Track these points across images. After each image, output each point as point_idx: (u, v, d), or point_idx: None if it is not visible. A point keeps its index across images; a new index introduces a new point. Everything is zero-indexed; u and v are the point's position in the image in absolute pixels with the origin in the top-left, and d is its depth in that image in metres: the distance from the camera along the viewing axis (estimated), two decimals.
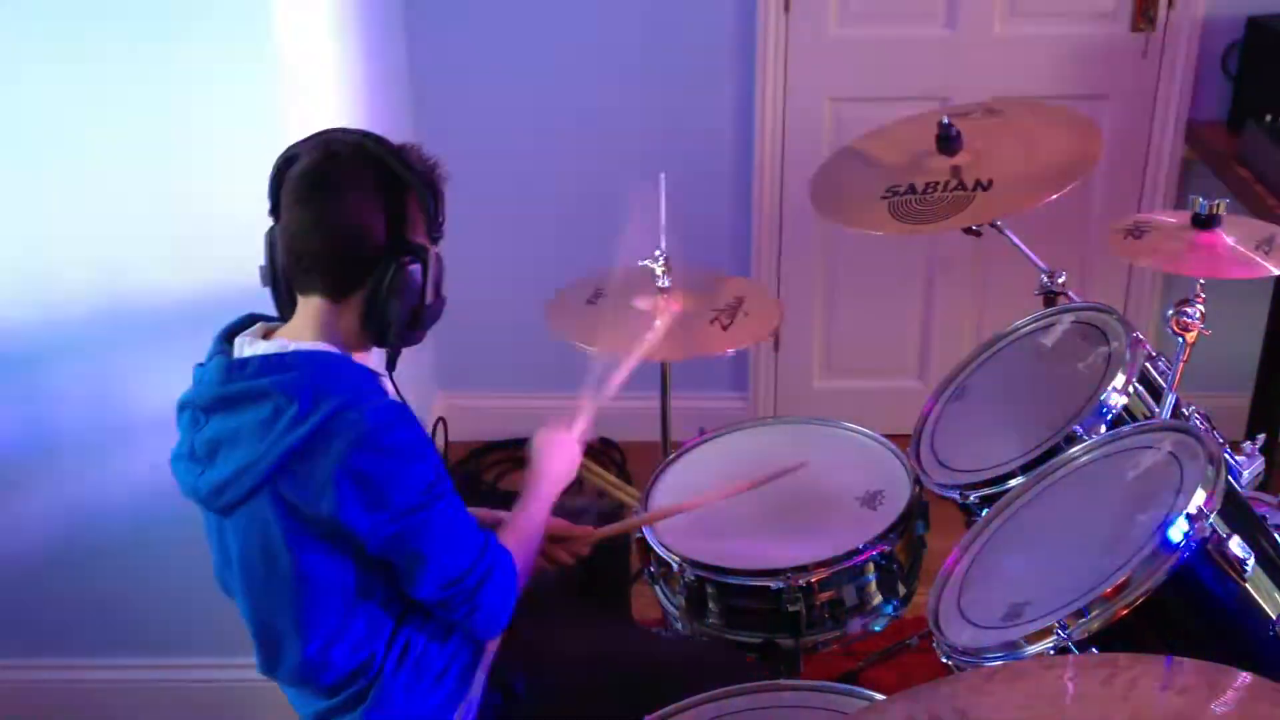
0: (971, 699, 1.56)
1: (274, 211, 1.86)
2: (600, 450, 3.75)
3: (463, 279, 3.63)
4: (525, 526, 2.05)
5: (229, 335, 1.89)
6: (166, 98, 2.37)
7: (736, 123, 3.49)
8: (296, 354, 1.81)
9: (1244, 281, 3.23)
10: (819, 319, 3.71)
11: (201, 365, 1.90)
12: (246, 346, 1.85)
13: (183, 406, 1.89)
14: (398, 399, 1.91)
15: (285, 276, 1.86)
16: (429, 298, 1.85)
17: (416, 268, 1.81)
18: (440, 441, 3.63)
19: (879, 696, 1.81)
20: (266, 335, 1.88)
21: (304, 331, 1.85)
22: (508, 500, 2.31)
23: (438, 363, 3.79)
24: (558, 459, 2.13)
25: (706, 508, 2.30)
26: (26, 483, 2.68)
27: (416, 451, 1.84)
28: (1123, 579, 1.66)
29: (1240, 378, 3.22)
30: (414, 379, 3.57)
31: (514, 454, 3.67)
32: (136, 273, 2.51)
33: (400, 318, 1.83)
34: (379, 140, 1.83)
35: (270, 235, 1.88)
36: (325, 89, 2.73)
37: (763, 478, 2.27)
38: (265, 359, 1.81)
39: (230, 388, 1.81)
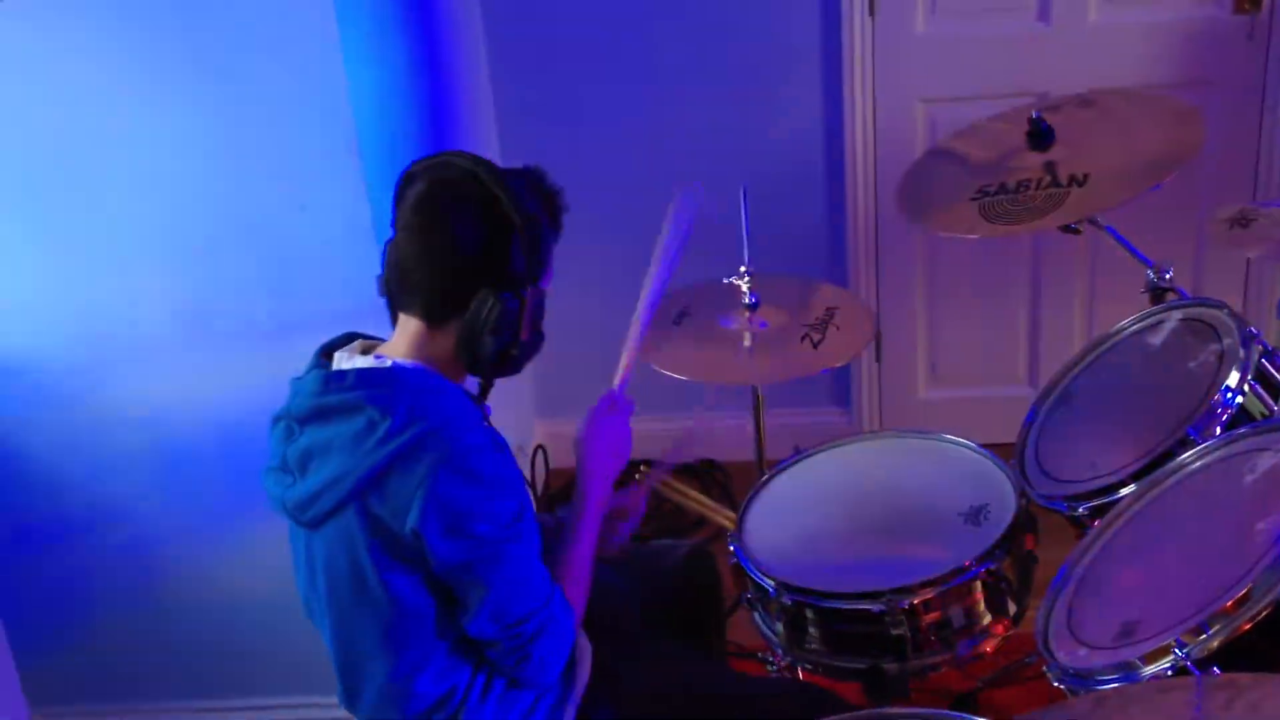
0: None
1: (393, 225, 1.88)
2: (705, 471, 3.69)
3: (552, 303, 3.65)
4: (575, 560, 1.98)
5: (328, 350, 1.91)
6: (241, 132, 2.39)
7: (827, 130, 3.40)
8: (395, 369, 1.82)
9: None
10: (921, 327, 3.60)
11: (298, 379, 1.90)
12: (345, 361, 1.87)
13: (277, 419, 1.90)
14: (492, 428, 1.89)
15: (391, 291, 1.88)
16: (524, 334, 1.84)
17: (515, 304, 1.80)
18: (541, 469, 3.59)
19: None
20: (366, 351, 1.89)
21: (402, 349, 1.85)
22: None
23: (536, 391, 3.76)
24: (599, 454, 2.04)
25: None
26: (107, 522, 2.70)
27: (504, 483, 1.82)
28: (1244, 591, 1.56)
29: None
30: (512, 407, 3.56)
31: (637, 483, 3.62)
32: (221, 304, 2.53)
33: (491, 351, 1.81)
34: (491, 170, 1.83)
35: (384, 248, 1.89)
36: (401, 113, 2.72)
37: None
38: (363, 372, 1.82)
39: (326, 399, 1.81)
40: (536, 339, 1.88)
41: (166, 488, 2.64)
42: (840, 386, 3.71)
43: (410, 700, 1.90)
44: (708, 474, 3.67)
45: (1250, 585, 1.56)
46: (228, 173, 2.43)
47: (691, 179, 3.29)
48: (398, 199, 1.87)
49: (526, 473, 3.53)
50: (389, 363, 1.83)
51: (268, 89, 2.37)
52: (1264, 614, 1.55)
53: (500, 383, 3.42)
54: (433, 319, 1.83)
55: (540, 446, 3.63)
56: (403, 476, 1.75)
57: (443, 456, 1.74)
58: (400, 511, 1.75)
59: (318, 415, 1.82)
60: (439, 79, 2.96)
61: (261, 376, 2.04)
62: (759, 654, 2.75)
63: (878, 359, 3.63)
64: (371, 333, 1.96)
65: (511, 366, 1.87)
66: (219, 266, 2.51)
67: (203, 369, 2.56)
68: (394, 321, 1.90)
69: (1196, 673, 1.55)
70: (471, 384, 1.93)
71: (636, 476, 2.69)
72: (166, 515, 2.67)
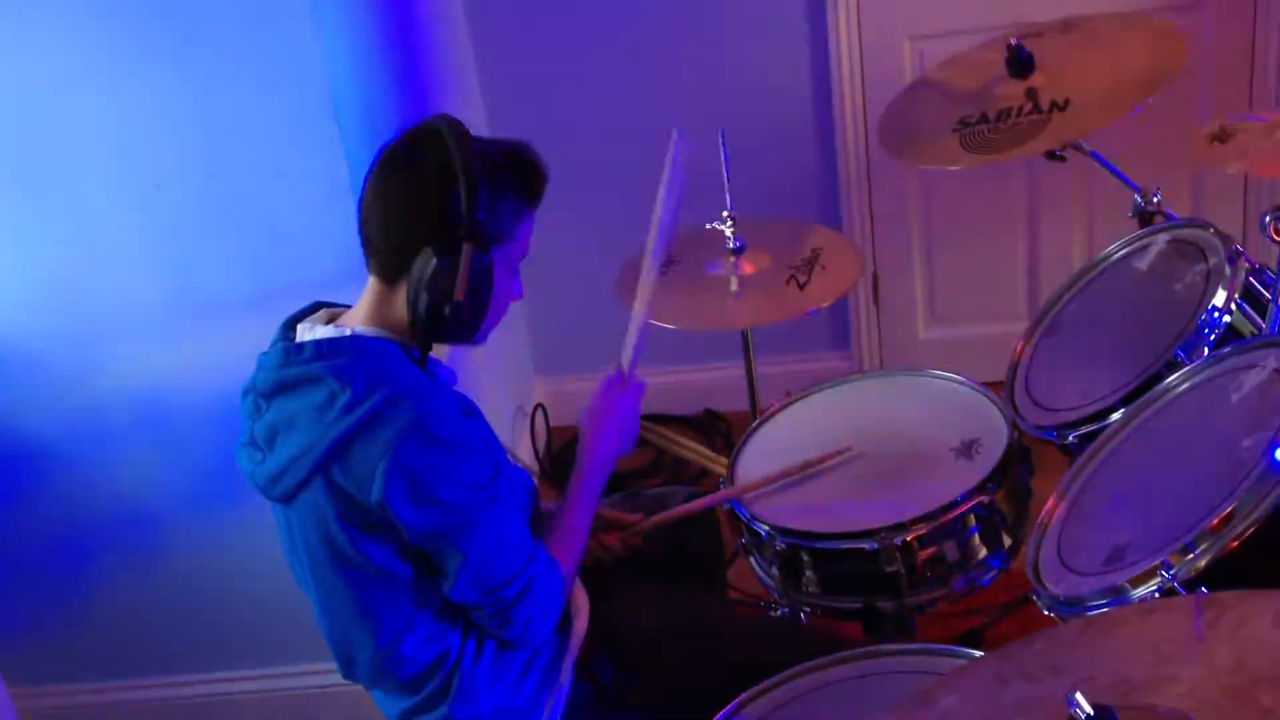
0: (1065, 653, 1.46)
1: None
2: (706, 422, 3.68)
3: (546, 261, 3.62)
4: (572, 525, 1.97)
5: (293, 322, 1.89)
6: (216, 102, 2.37)
7: (814, 70, 3.36)
8: (353, 339, 1.80)
9: None
10: (919, 266, 3.56)
11: (264, 353, 1.88)
12: (307, 332, 1.85)
13: (245, 393, 1.89)
14: (461, 394, 1.87)
15: (362, 245, 1.85)
16: (459, 294, 1.76)
17: (447, 262, 1.75)
18: (541, 427, 3.58)
19: (978, 655, 1.71)
20: (330, 321, 1.87)
21: (362, 315, 1.84)
22: (616, 481, 2.26)
23: (534, 349, 3.75)
24: (607, 435, 2.04)
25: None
26: (98, 501, 2.70)
27: (472, 448, 1.80)
28: (1229, 509, 1.54)
29: None
30: (511, 368, 3.55)
31: None
32: (206, 281, 2.52)
33: (425, 309, 1.77)
34: (458, 131, 1.78)
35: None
36: (381, 82, 2.69)
37: (809, 463, 2.21)
38: (321, 343, 1.80)
39: (287, 372, 1.80)
40: (476, 304, 1.79)
41: (157, 462, 2.64)
42: (840, 330, 3.68)
43: (402, 666, 1.89)
44: (710, 424, 3.66)
45: (1236, 502, 1.53)
46: (205, 144, 2.41)
47: (678, 123, 3.27)
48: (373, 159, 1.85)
49: (526, 432, 3.52)
50: (348, 332, 1.82)
51: (239, 57, 2.34)
52: (1250, 531, 1.52)
53: (498, 342, 3.43)
54: (386, 277, 1.81)
55: (540, 405, 3.62)
56: (365, 447, 1.73)
57: (405, 424, 1.72)
58: (364, 483, 1.74)
59: (281, 389, 1.81)
60: (414, 35, 2.92)
61: (248, 347, 2.02)
62: (762, 601, 2.74)
63: (876, 301, 3.60)
64: (349, 300, 1.93)
65: (447, 329, 1.80)
66: (202, 239, 2.49)
67: (190, 342, 2.55)
68: None
69: (1183, 593, 1.52)
70: (456, 356, 1.89)
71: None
72: (157, 488, 2.66)
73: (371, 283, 1.84)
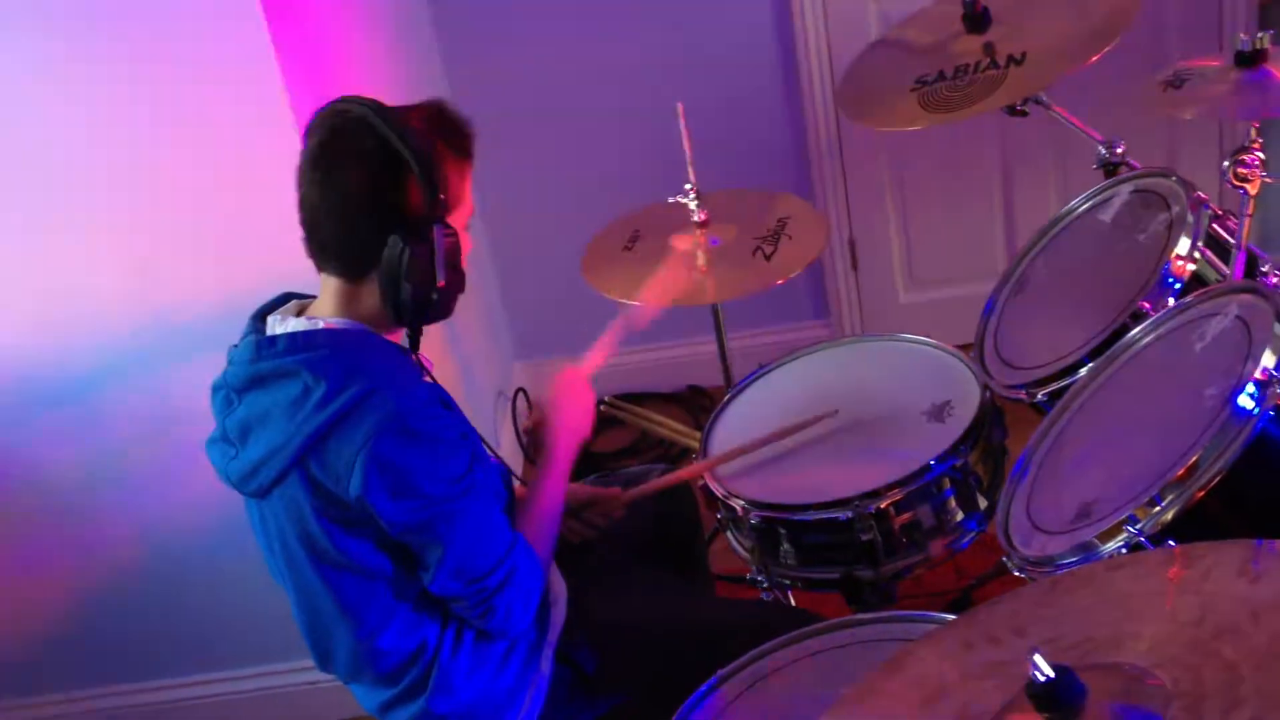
0: (1032, 614, 1.44)
1: (298, 181, 1.82)
2: (689, 398, 3.66)
3: (521, 244, 3.59)
4: (544, 511, 1.95)
5: (263, 314, 1.86)
6: (177, 107, 2.34)
7: (778, 37, 3.32)
8: (326, 331, 1.78)
9: None
10: (895, 231, 3.53)
11: (235, 347, 1.86)
12: (278, 325, 1.82)
13: (216, 389, 1.87)
14: (436, 384, 1.85)
15: (311, 251, 1.82)
16: (441, 277, 1.76)
17: (424, 247, 1.74)
18: (523, 410, 3.56)
19: (949, 619, 1.69)
20: (300, 312, 1.84)
21: (331, 308, 1.81)
22: (599, 463, 2.26)
23: (514, 333, 3.72)
24: (567, 415, 2.03)
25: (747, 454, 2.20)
26: (87, 506, 2.68)
27: (448, 439, 1.78)
28: (1193, 459, 1.52)
29: None
30: (490, 351, 3.53)
31: (603, 414, 3.60)
32: (176, 284, 2.49)
33: (411, 299, 1.75)
34: (383, 111, 1.75)
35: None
36: (340, 65, 2.66)
37: (791, 427, 2.18)
38: (293, 336, 1.78)
39: (260, 366, 1.78)
40: (456, 279, 1.80)
41: (130, 464, 2.62)
42: (820, 298, 3.65)
43: (381, 659, 1.88)
44: (693, 400, 3.64)
45: (1200, 452, 1.51)
46: (162, 145, 2.38)
47: (642, 96, 3.26)
48: (302, 152, 1.81)
49: (507, 416, 3.50)
50: (320, 324, 1.79)
51: (193, 55, 2.31)
52: (1216, 480, 1.50)
53: (477, 328, 3.42)
54: (350, 275, 1.78)
55: (521, 389, 3.60)
56: (341, 441, 1.72)
57: (382, 418, 1.70)
58: (341, 477, 1.72)
59: (254, 383, 1.79)
60: (371, 22, 2.89)
61: (217, 345, 2.00)
62: (746, 577, 2.72)
63: (854, 267, 3.57)
64: (311, 292, 1.91)
65: (436, 311, 1.80)
66: (165, 239, 2.47)
67: (158, 342, 2.53)
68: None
69: (1150, 547, 1.50)
70: (434, 343, 1.88)
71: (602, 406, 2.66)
72: (130, 490, 2.65)
73: (331, 281, 1.80)
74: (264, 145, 2.36)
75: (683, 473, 2.23)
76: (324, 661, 1.96)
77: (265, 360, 1.77)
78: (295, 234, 2.27)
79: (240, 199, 2.42)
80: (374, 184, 1.73)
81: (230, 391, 1.82)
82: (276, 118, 2.34)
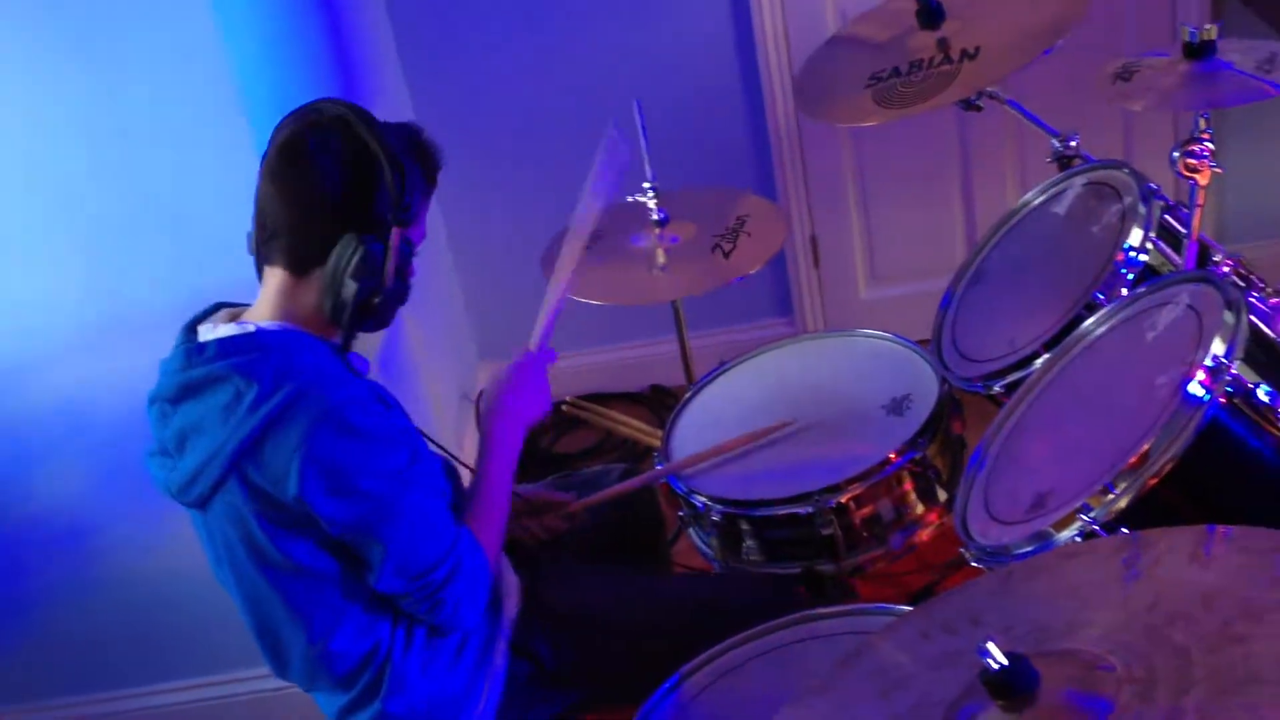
0: (988, 604, 1.45)
1: (260, 174, 1.82)
2: (653, 398, 3.66)
3: (483, 244, 3.59)
4: (490, 502, 1.94)
5: (194, 324, 1.86)
6: (127, 110, 2.33)
7: (737, 33, 3.33)
8: (257, 334, 1.77)
9: None
10: (856, 227, 3.54)
11: (166, 359, 1.85)
12: (209, 332, 1.81)
13: (151, 402, 1.86)
14: (374, 382, 1.84)
15: (257, 245, 1.82)
16: (388, 282, 1.77)
17: (379, 248, 1.75)
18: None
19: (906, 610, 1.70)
20: (232, 319, 1.84)
21: (266, 310, 1.81)
22: (563, 463, 2.26)
23: (477, 333, 3.72)
24: (509, 399, 2.02)
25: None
26: (24, 516, 2.66)
27: (385, 435, 1.78)
28: (1146, 446, 1.53)
29: None
30: (453, 353, 3.52)
31: (565, 415, 3.60)
32: (125, 286, 2.48)
33: (354, 297, 1.75)
34: (361, 114, 1.77)
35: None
36: (293, 74, 2.65)
37: (745, 438, 2.20)
38: (223, 341, 1.77)
39: (191, 374, 1.77)
40: (402, 289, 1.81)
41: (85, 472, 2.60)
42: (782, 296, 3.66)
43: (335, 662, 1.87)
44: (657, 400, 3.64)
45: (1152, 440, 1.52)
46: (115, 147, 2.36)
47: (600, 94, 3.25)
48: (267, 148, 1.82)
49: (472, 416, 3.49)
50: (252, 327, 1.78)
51: (143, 56, 2.29)
52: (1168, 468, 1.51)
53: (441, 326, 3.41)
54: (296, 268, 1.78)
55: (485, 390, 3.58)
56: (277, 443, 1.71)
57: (316, 416, 1.70)
58: (279, 479, 1.72)
59: (186, 393, 1.78)
60: (325, 19, 2.88)
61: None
62: (709, 574, 2.73)
63: (816, 264, 3.58)
64: (249, 302, 1.90)
65: (375, 317, 1.80)
66: (118, 243, 2.45)
67: (113, 348, 2.51)
68: (261, 279, 1.85)
69: (1103, 534, 1.52)
70: (394, 346, 1.87)
71: (564, 406, 2.65)
72: (85, 499, 2.63)
73: (275, 275, 1.80)
74: (216, 150, 2.35)
75: (635, 482, 2.24)
76: (280, 668, 1.95)
77: (196, 368, 1.77)
78: (243, 242, 2.27)
79: (190, 206, 2.41)
80: (342, 183, 1.75)
81: (164, 403, 1.82)
82: (227, 120, 2.33)
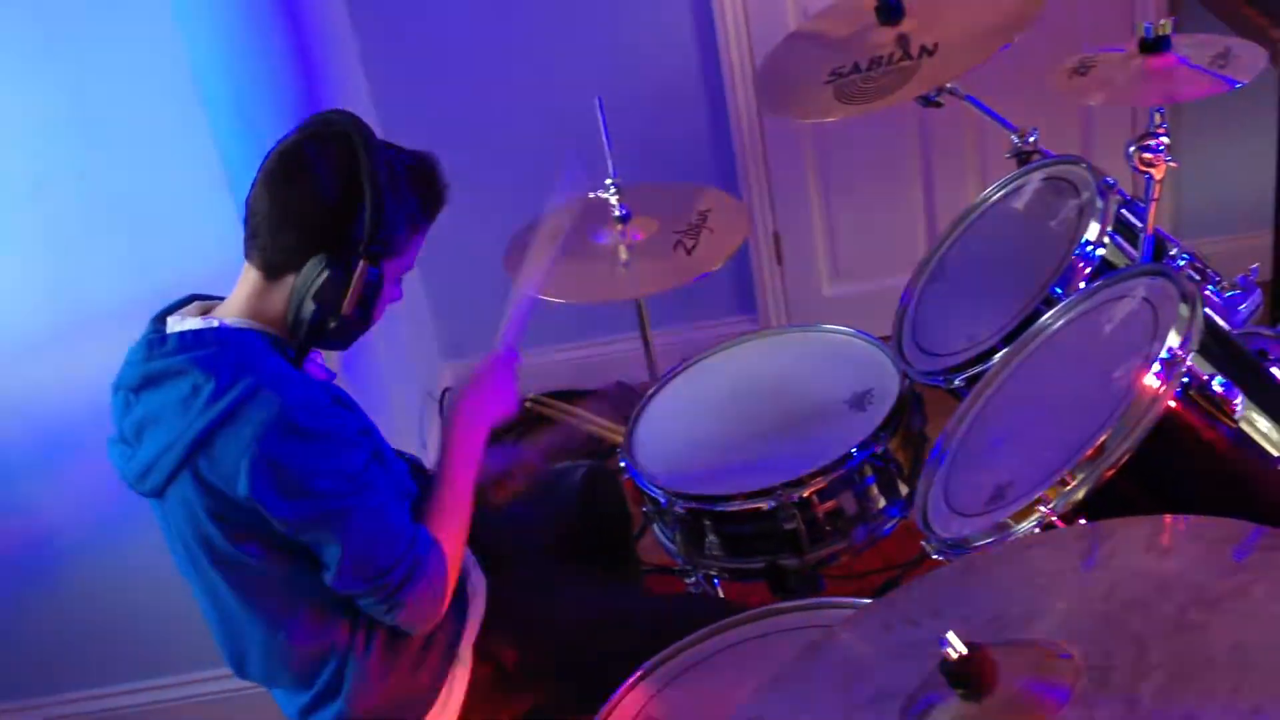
0: (948, 595, 1.46)
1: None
2: (618, 395, 3.65)
3: (442, 241, 3.56)
4: (452, 502, 1.93)
5: (164, 315, 1.85)
6: (86, 107, 2.32)
7: (698, 29, 3.33)
8: (219, 330, 1.77)
9: (1252, 112, 3.09)
10: (819, 224, 3.56)
11: (133, 347, 1.85)
12: (177, 324, 1.81)
13: (115, 390, 1.86)
14: (331, 384, 1.84)
15: (245, 240, 1.82)
16: (347, 309, 1.75)
17: (342, 276, 1.74)
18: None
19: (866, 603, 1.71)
20: (203, 313, 1.83)
21: (235, 307, 1.80)
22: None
23: (440, 333, 3.71)
24: (474, 401, 2.01)
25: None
26: None
27: (340, 436, 1.77)
28: (1103, 438, 1.54)
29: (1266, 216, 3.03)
30: (416, 353, 3.51)
31: (529, 412, 3.60)
32: (86, 283, 2.46)
33: (310, 318, 1.75)
34: (366, 135, 1.76)
35: None
36: (252, 70, 2.64)
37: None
38: (185, 335, 1.77)
39: (152, 365, 1.77)
40: (361, 317, 1.79)
41: (47, 472, 2.58)
42: (745, 293, 3.67)
43: (292, 658, 1.87)
44: (621, 397, 3.63)
45: (1109, 432, 1.54)
46: (75, 144, 2.35)
47: (562, 91, 3.25)
48: (273, 147, 1.81)
49: (435, 416, 3.49)
50: (216, 323, 1.78)
51: (101, 53, 2.28)
52: (1125, 459, 1.53)
53: (405, 326, 3.39)
54: (269, 271, 1.78)
55: (448, 389, 3.58)
56: (229, 440, 1.70)
57: (270, 416, 1.69)
58: (230, 477, 1.71)
59: (148, 383, 1.78)
60: (286, 16, 2.87)
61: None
62: (675, 570, 2.73)
63: (779, 261, 3.60)
64: (221, 294, 1.90)
65: (329, 339, 1.79)
66: (79, 240, 2.44)
67: (75, 346, 2.50)
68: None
69: (1061, 526, 1.53)
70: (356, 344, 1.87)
71: (527, 403, 2.65)
72: (52, 501, 2.61)
73: (250, 272, 1.80)
74: (176, 146, 2.33)
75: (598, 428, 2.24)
76: (239, 666, 1.94)
77: (157, 359, 1.77)
78: (206, 238, 2.27)
79: (151, 203, 2.40)
80: (325, 200, 1.74)
81: (127, 392, 1.82)
82: (187, 116, 2.31)
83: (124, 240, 2.43)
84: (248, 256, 1.81)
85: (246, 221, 1.80)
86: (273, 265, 1.77)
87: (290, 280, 1.76)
